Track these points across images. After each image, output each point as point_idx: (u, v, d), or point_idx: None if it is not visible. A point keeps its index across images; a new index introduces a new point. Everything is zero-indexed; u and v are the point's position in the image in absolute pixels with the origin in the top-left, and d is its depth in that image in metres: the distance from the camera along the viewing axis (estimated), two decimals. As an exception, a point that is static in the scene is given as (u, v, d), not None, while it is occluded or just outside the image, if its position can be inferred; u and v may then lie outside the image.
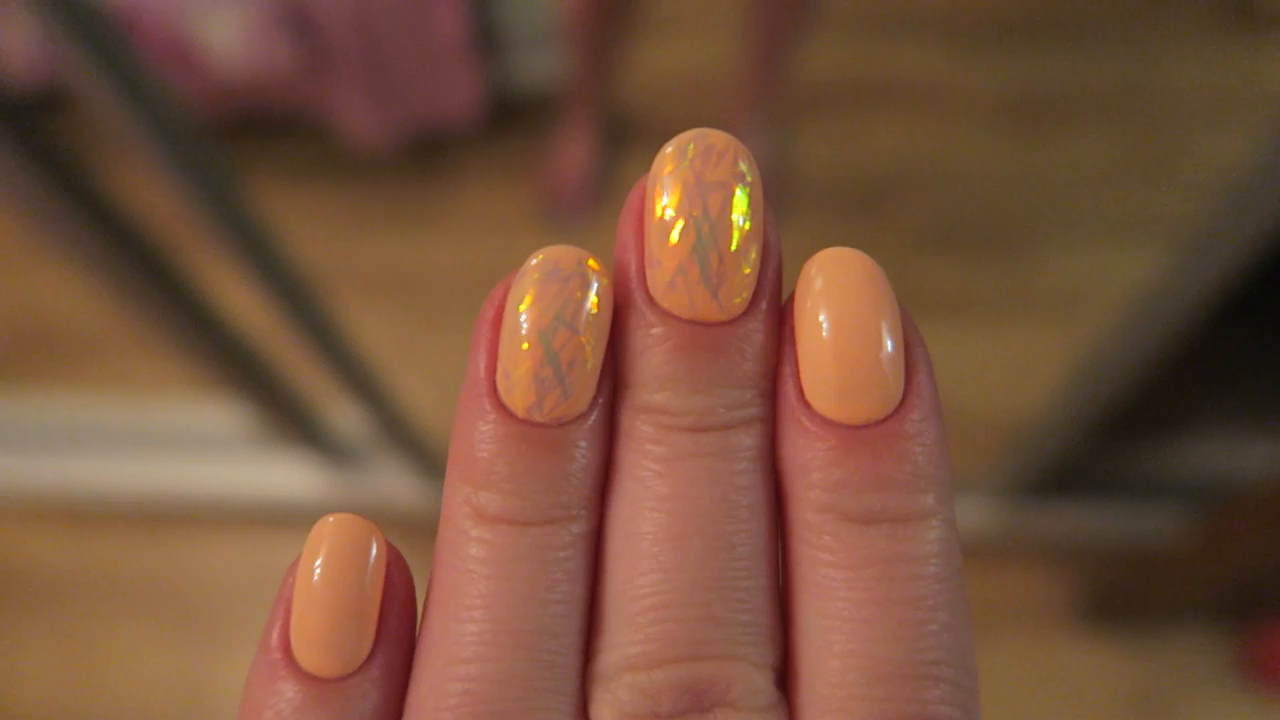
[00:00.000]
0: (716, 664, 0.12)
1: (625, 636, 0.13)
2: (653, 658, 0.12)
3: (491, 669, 0.12)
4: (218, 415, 0.86)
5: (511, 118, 1.10)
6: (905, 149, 1.10)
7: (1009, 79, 1.14)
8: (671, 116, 1.11)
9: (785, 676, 0.13)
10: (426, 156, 1.11)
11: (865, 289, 0.13)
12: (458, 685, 0.12)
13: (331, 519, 0.13)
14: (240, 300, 0.64)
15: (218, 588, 0.89)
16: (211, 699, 0.85)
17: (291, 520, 0.89)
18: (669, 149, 0.13)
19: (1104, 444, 0.77)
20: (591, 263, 0.13)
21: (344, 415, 0.84)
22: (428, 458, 0.82)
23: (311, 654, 0.13)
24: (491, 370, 0.13)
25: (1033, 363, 0.93)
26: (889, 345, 0.13)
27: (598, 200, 1.06)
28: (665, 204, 0.13)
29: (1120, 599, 0.83)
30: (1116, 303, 0.63)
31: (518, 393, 0.13)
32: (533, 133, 1.11)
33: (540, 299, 0.13)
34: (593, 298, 0.13)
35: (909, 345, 0.13)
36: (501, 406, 0.13)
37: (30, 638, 0.88)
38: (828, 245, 0.14)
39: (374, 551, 0.13)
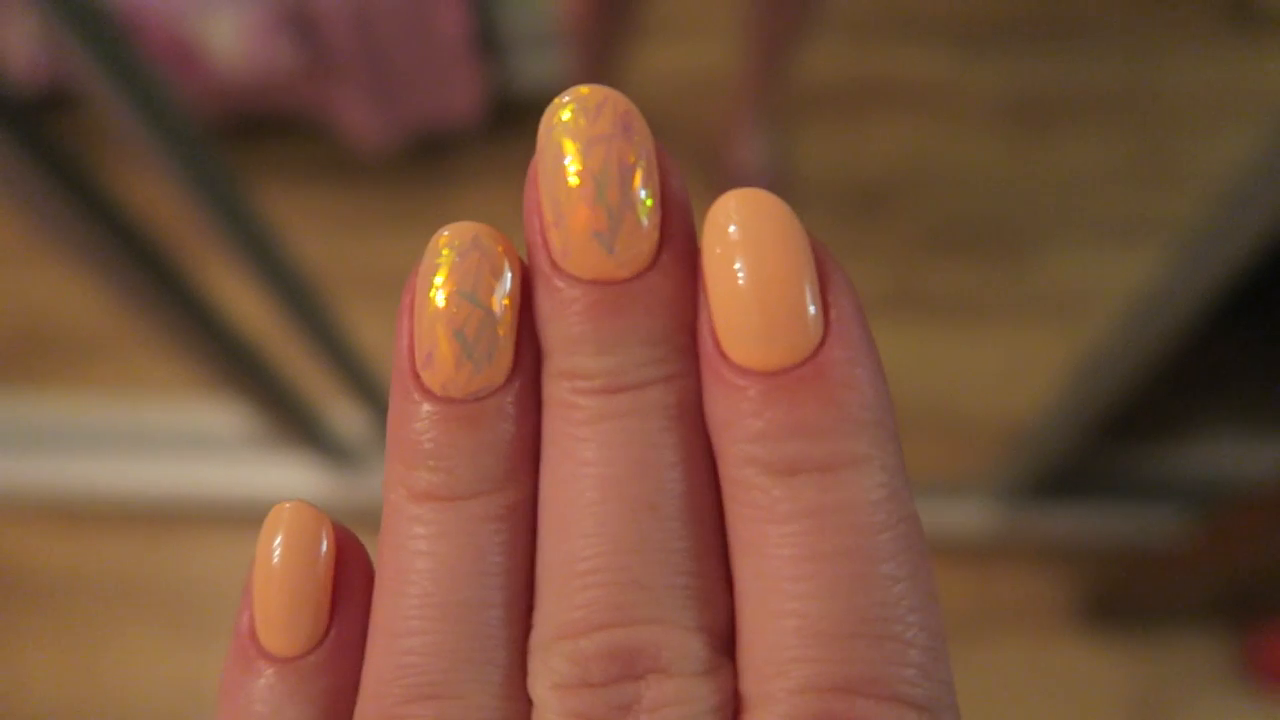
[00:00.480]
0: (645, 629, 0.12)
1: (555, 605, 0.13)
2: (579, 625, 0.12)
3: (426, 642, 0.13)
4: (218, 415, 0.86)
5: (512, 118, 1.11)
6: (906, 150, 1.10)
7: (1010, 80, 1.14)
8: (673, 118, 1.11)
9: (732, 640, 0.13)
10: (427, 157, 1.11)
11: (767, 226, 0.12)
12: (398, 659, 0.13)
13: (288, 505, 0.14)
14: (241, 300, 0.64)
15: (218, 588, 0.89)
16: (212, 699, 0.85)
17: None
18: (545, 115, 0.13)
19: (1104, 445, 0.77)
20: (488, 234, 0.13)
21: (344, 415, 0.84)
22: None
23: (271, 635, 0.14)
24: (411, 353, 0.13)
25: (1033, 363, 0.93)
26: (801, 280, 0.12)
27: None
28: (549, 168, 0.13)
29: (1120, 600, 0.83)
30: (1116, 303, 0.63)
31: (432, 371, 0.13)
32: (533, 134, 1.10)
33: (447, 277, 0.13)
34: (494, 268, 0.13)
35: (825, 275, 0.12)
36: (423, 387, 0.13)
37: (31, 638, 0.88)
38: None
39: (325, 535, 0.14)
